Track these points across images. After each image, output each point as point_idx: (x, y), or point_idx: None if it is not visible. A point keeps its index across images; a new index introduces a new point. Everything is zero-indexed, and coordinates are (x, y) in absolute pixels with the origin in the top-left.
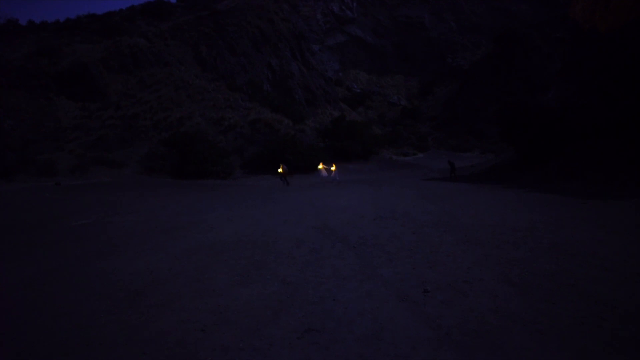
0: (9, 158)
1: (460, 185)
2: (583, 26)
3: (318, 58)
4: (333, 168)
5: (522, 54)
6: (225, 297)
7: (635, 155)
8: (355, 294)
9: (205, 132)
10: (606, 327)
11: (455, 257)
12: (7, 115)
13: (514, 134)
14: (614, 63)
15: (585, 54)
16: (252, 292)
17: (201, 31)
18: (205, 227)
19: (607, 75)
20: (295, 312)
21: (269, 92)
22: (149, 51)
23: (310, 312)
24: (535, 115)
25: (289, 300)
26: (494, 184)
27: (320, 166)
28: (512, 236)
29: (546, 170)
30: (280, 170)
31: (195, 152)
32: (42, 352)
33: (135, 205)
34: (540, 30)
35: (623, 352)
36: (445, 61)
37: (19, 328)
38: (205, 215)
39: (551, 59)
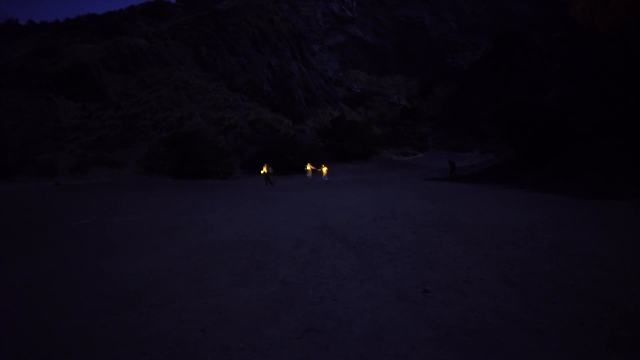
0: (9, 158)
1: (460, 185)
2: (583, 26)
3: (318, 58)
4: (325, 169)
5: (522, 54)
6: (225, 297)
7: (635, 155)
8: (355, 294)
9: (205, 132)
10: (606, 327)
11: (455, 257)
12: (8, 115)
13: (514, 134)
14: (614, 63)
15: (585, 54)
16: (252, 292)
17: (201, 31)
18: (205, 227)
19: (607, 75)
20: (295, 312)
21: (269, 92)
22: (149, 51)
23: (310, 312)
24: (535, 115)
25: (289, 300)
26: (493, 184)
27: (308, 167)
28: (512, 236)
29: (546, 170)
30: (264, 170)
31: (195, 152)
32: (42, 352)
33: (135, 205)
34: (540, 30)
35: (623, 352)
36: (445, 61)
37: (19, 328)
38: (205, 215)
39: (551, 59)
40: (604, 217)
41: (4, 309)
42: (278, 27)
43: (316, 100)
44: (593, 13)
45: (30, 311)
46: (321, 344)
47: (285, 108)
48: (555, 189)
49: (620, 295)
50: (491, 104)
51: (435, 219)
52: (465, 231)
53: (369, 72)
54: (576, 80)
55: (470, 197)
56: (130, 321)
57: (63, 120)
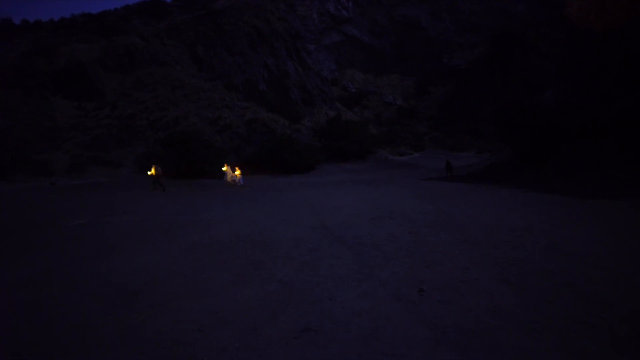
0: (6, 158)
1: (457, 185)
2: (580, 26)
3: (314, 57)
4: (237, 172)
5: (521, 54)
6: (222, 297)
7: (634, 155)
8: (352, 293)
9: (202, 132)
10: (604, 327)
11: (452, 257)
12: (5, 115)
13: (512, 134)
14: (613, 63)
15: (584, 54)
16: (250, 292)
17: (198, 31)
18: (203, 227)
19: (605, 75)
20: (292, 311)
21: (265, 92)
22: (145, 51)
23: (308, 312)
24: (532, 115)
25: (286, 300)
26: (491, 184)
27: (225, 168)
28: (509, 236)
29: (544, 169)
30: (152, 171)
31: (191, 152)
32: (42, 352)
33: (132, 205)
34: (538, 30)
35: (622, 352)
36: (442, 61)
37: (17, 328)
38: (202, 214)
39: (549, 59)
40: (602, 217)
41: (3, 309)
42: (274, 27)
43: (312, 100)
44: (589, 13)
45: (29, 311)
46: (319, 343)
47: (282, 108)
48: (553, 189)
49: (619, 294)
50: (488, 103)
51: (433, 219)
52: (462, 231)
53: (365, 72)
54: (575, 80)
55: (468, 197)
56: (127, 321)
57: (59, 119)
